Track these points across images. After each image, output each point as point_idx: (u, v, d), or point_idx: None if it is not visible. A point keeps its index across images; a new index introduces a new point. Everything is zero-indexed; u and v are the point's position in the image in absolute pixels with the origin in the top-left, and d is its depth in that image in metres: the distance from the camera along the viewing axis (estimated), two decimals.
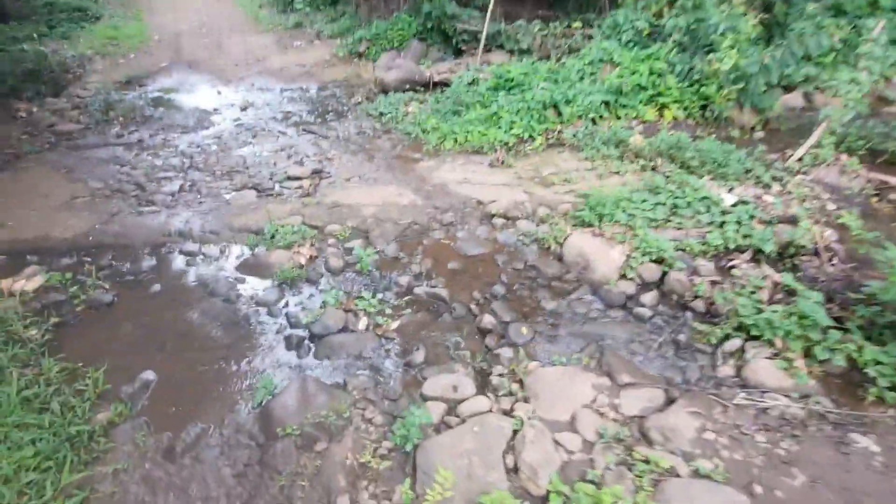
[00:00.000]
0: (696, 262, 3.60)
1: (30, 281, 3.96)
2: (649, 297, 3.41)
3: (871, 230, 3.85)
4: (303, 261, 4.04)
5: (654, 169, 5.02)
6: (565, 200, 4.61)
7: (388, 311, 3.46)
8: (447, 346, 3.14)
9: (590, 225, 4.07)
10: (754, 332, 2.92)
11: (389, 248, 4.18)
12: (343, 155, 6.19)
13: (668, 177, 4.65)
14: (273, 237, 4.27)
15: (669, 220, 4.01)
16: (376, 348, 3.17)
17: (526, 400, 2.65)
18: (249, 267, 4.04)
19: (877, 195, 4.51)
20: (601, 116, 6.24)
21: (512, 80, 6.73)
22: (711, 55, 5.84)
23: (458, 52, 9.86)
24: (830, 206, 4.26)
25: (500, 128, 6.11)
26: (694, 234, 3.86)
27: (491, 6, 8.91)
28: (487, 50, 9.39)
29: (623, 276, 3.60)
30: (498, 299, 3.53)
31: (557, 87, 6.40)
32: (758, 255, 3.70)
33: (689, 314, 3.27)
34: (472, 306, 3.46)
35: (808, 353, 2.80)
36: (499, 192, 4.89)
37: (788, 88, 6.79)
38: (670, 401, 2.61)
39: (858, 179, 4.65)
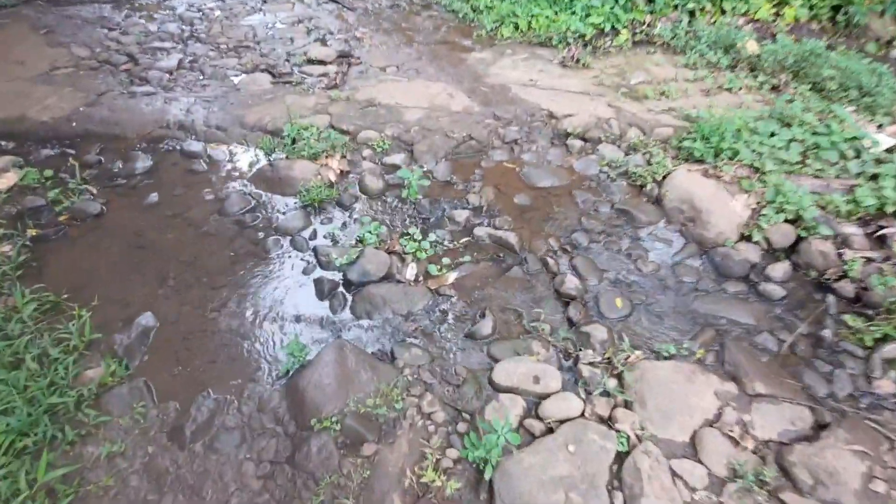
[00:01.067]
0: (843, 228, 2.78)
1: (2, 177, 3.23)
2: (780, 270, 2.65)
3: None
4: (333, 177, 3.24)
5: (775, 89, 3.94)
6: (664, 122, 3.62)
7: (443, 257, 2.75)
8: (519, 314, 2.49)
9: (701, 161, 3.18)
10: None
11: (440, 168, 3.34)
12: (375, 34, 5.02)
13: (802, 102, 3.61)
14: (294, 142, 3.42)
15: (805, 165, 3.10)
16: (430, 307, 2.52)
17: (628, 405, 2.06)
18: (266, 180, 3.26)
19: None
20: (702, 8, 4.92)
21: None
22: None
23: None
24: None
25: (573, 13, 4.85)
26: (838, 187, 2.98)
27: None
28: None
29: (745, 238, 2.81)
30: (580, 253, 2.79)
31: None
32: None
33: (832, 298, 2.55)
34: (549, 259, 2.73)
35: None
36: (575, 102, 3.88)
37: None
38: (820, 425, 2.01)
39: None
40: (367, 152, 3.45)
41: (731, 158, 3.11)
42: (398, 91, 4.04)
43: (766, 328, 2.42)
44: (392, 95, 3.97)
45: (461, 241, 2.84)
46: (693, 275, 2.69)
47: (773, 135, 3.25)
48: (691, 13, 4.86)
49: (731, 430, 1.98)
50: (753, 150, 3.13)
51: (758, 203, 2.88)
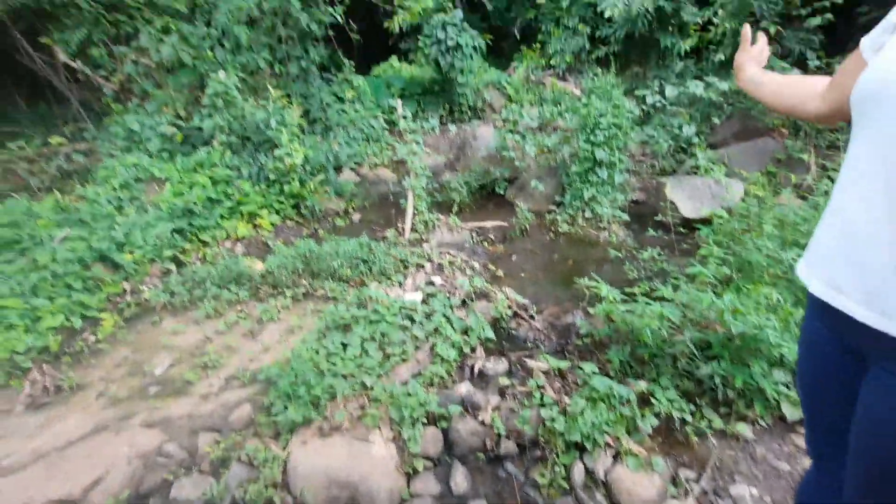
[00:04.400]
0: (452, 392, 2.79)
1: None
2: (459, 475, 2.32)
3: (507, 272, 4.21)
4: None
5: (306, 295, 3.88)
6: (234, 401, 2.78)
7: None
8: None
9: (308, 422, 2.54)
10: (587, 444, 2.39)
11: None
12: None
13: (337, 300, 3.63)
14: None
15: (388, 357, 3.02)
16: None
17: None
18: None
19: (482, 239, 5.11)
20: (183, 251, 4.49)
21: None
22: (279, 151, 5.19)
23: None
24: (474, 265, 4.43)
25: (10, 327, 3.31)
26: (423, 360, 3.03)
27: None
28: None
29: (406, 471, 2.34)
30: None
31: (90, 229, 4.12)
32: (485, 345, 3.28)
33: (508, 465, 2.42)
34: None
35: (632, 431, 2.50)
36: (88, 458, 2.47)
37: (337, 169, 7.12)
38: None
39: (464, 232, 5.14)
40: None
41: (332, 399, 2.64)
42: None
43: None
44: None
45: None
46: None
47: (345, 347, 3.03)
48: (174, 260, 4.31)
49: None
50: (343, 377, 2.78)
51: (393, 432, 2.50)
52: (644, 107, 7.89)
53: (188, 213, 4.69)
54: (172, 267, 4.20)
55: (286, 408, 2.58)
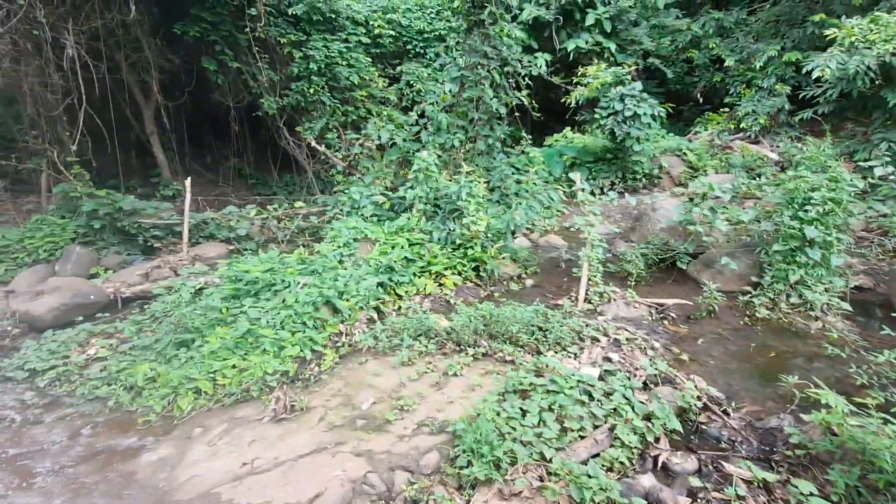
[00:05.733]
0: (636, 479, 2.69)
1: None
2: None
3: (692, 357, 3.90)
4: None
5: (485, 355, 4.19)
6: (424, 447, 3.14)
7: None
8: None
9: (489, 481, 2.72)
10: None
11: None
12: None
13: (514, 363, 3.86)
14: None
15: (566, 431, 3.07)
16: None
17: None
18: None
19: (662, 317, 4.86)
20: (383, 302, 5.25)
21: (256, 281, 5.10)
22: (466, 219, 5.82)
23: (151, 250, 7.54)
24: (654, 345, 4.24)
25: (264, 351, 4.29)
26: (602, 440, 3.00)
27: (189, 196, 7.26)
28: (194, 243, 7.50)
29: None
30: None
31: (321, 278, 5.14)
32: (670, 437, 3.10)
33: None
34: None
35: None
36: (316, 470, 3.02)
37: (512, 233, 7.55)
38: None
39: (642, 308, 4.97)
40: None
41: (512, 464, 2.78)
42: None
43: None
44: None
45: None
46: None
47: (524, 413, 3.18)
48: (377, 310, 5.07)
49: None
50: (522, 443, 2.91)
51: None
52: (870, 178, 6.74)
53: (389, 269, 5.51)
54: (375, 315, 4.94)
55: (470, 463, 2.81)
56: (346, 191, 6.77)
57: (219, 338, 4.36)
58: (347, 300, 4.91)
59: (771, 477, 2.55)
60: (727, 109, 11.85)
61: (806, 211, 4.79)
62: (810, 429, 2.88)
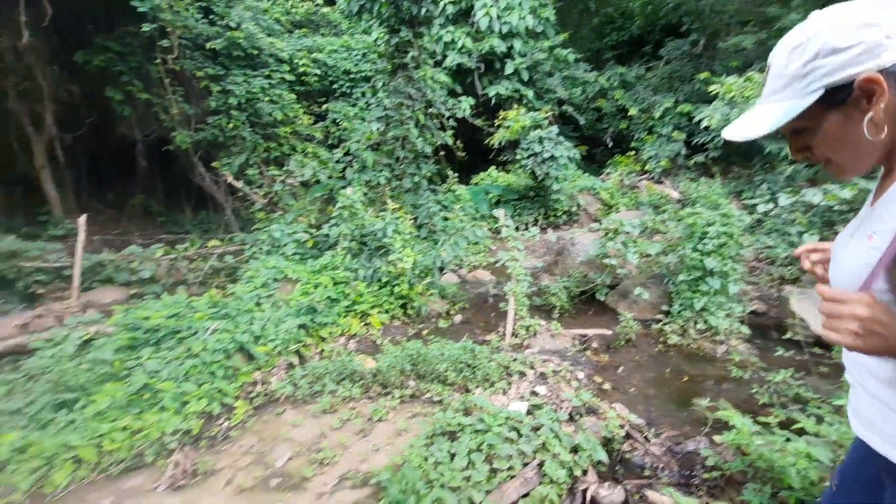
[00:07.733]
0: None
1: None
2: None
3: (614, 385, 4.00)
4: None
5: (413, 397, 4.01)
6: (345, 502, 2.87)
7: None
8: None
9: None
10: None
11: None
12: None
13: (442, 403, 3.72)
14: None
15: (496, 473, 2.95)
16: None
17: None
18: None
19: (585, 348, 4.99)
20: (304, 345, 4.93)
21: (158, 328, 4.59)
22: (392, 256, 5.71)
23: (33, 297, 6.61)
24: (579, 375, 4.31)
25: (163, 409, 3.80)
26: (531, 478, 2.92)
27: (82, 236, 6.54)
28: (87, 288, 6.70)
29: None
30: None
31: (234, 322, 4.73)
32: (597, 469, 3.08)
33: None
34: None
35: None
36: None
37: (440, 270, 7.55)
38: None
39: (566, 339, 5.07)
40: None
41: None
42: None
43: None
44: None
45: None
46: None
47: (452, 456, 3.03)
48: (298, 354, 4.74)
49: None
50: (451, 489, 2.76)
51: None
52: (755, 214, 7.57)
53: (312, 310, 5.21)
54: (296, 360, 4.61)
55: None
56: (267, 229, 6.43)
57: (108, 395, 3.81)
58: (264, 345, 4.54)
59: (692, 502, 2.60)
60: (633, 153, 12.98)
61: (704, 244, 5.22)
62: (724, 450, 3.00)
